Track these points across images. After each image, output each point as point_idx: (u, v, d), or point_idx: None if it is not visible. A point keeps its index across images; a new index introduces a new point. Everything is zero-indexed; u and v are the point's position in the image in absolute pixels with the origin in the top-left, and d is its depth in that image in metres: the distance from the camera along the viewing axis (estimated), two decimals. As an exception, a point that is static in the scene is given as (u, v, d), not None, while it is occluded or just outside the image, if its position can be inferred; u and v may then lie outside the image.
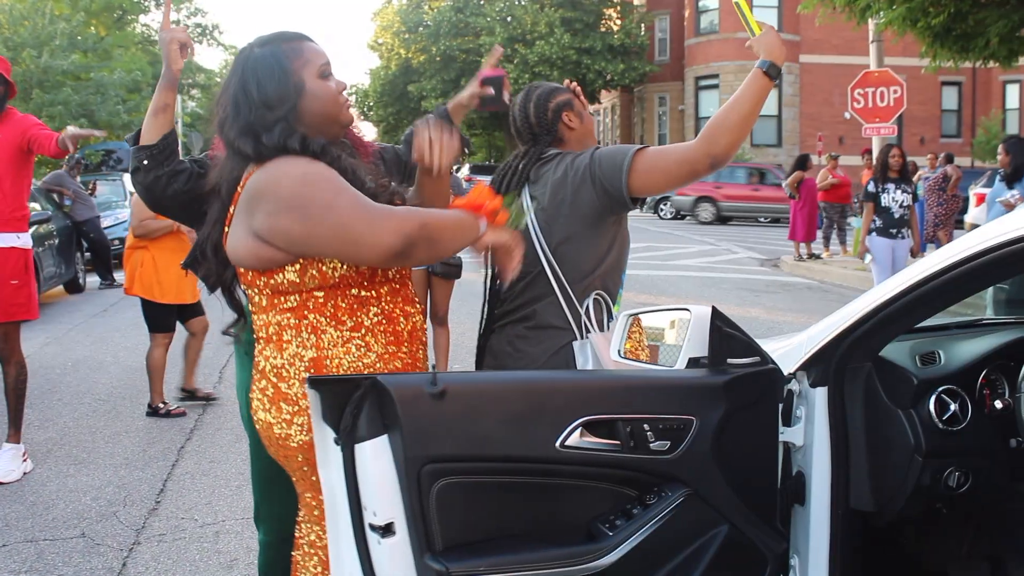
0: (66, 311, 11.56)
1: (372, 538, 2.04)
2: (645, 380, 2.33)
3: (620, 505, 2.21)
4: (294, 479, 2.43)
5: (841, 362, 2.44)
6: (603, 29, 41.09)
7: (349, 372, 2.30)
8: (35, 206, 12.43)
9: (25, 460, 5.46)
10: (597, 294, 2.77)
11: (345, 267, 2.27)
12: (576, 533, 2.19)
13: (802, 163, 16.82)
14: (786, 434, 2.50)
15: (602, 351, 2.66)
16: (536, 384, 2.20)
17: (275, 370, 2.32)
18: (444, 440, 2.02)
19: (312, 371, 2.28)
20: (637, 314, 2.57)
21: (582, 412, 2.12)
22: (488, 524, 2.10)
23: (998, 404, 2.50)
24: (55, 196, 13.24)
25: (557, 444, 2.09)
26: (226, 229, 2.33)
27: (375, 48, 51.10)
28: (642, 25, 41.19)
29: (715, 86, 37.14)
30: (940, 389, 2.44)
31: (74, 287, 13.22)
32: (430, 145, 2.38)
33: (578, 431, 2.11)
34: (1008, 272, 2.35)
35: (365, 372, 2.30)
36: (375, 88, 51.88)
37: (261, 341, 2.37)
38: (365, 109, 56.78)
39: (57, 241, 12.12)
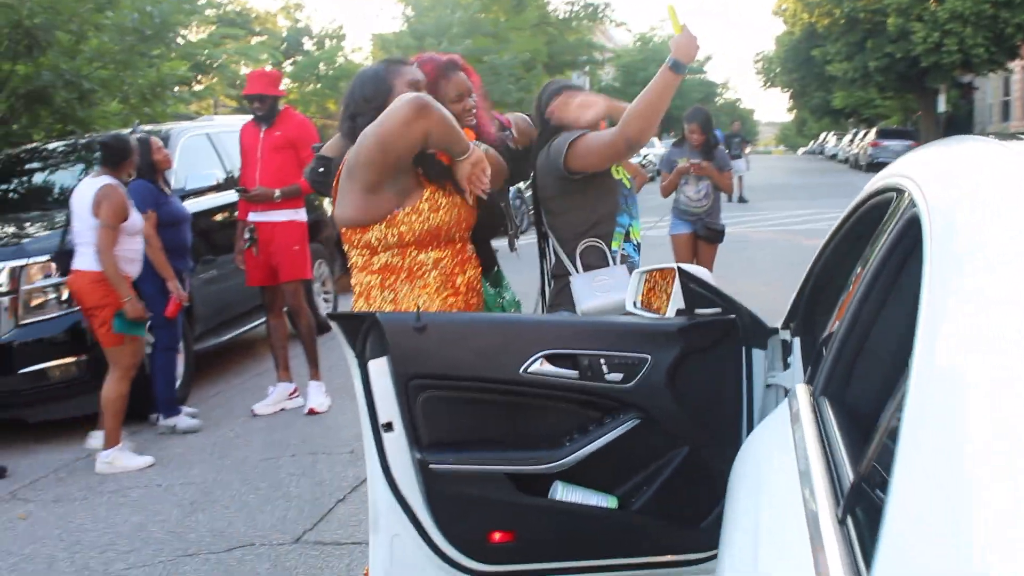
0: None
1: (382, 432, 2.74)
2: (603, 325, 2.83)
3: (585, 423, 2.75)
4: None
5: (806, 315, 2.78)
6: (1025, -23, 37.63)
7: None
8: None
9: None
10: (588, 242, 3.35)
11: (420, 228, 2.98)
12: (550, 444, 2.75)
13: None
14: (778, 378, 2.88)
15: (579, 290, 3.27)
16: (504, 324, 2.78)
17: None
18: (425, 362, 2.66)
19: None
20: (648, 271, 3.03)
21: (544, 347, 2.67)
22: (467, 430, 2.72)
23: None
24: None
25: (521, 370, 2.66)
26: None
27: (779, 14, 50.37)
28: (1074, -31, 37.23)
29: None
30: None
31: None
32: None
33: (539, 362, 2.67)
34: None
35: None
36: (779, 54, 51.29)
37: (355, 295, 3.15)
38: (771, 75, 56.24)
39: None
